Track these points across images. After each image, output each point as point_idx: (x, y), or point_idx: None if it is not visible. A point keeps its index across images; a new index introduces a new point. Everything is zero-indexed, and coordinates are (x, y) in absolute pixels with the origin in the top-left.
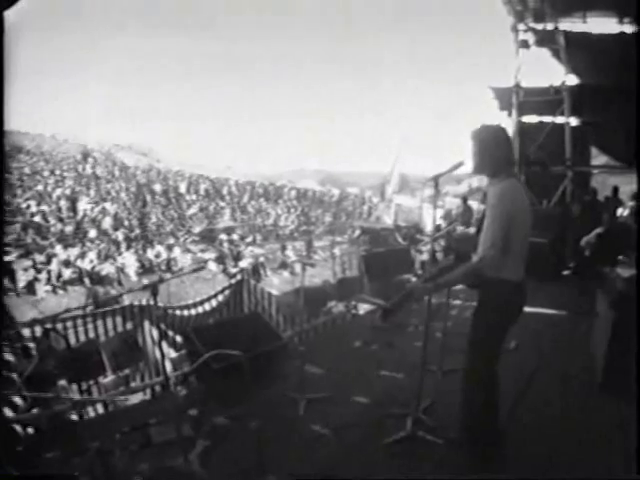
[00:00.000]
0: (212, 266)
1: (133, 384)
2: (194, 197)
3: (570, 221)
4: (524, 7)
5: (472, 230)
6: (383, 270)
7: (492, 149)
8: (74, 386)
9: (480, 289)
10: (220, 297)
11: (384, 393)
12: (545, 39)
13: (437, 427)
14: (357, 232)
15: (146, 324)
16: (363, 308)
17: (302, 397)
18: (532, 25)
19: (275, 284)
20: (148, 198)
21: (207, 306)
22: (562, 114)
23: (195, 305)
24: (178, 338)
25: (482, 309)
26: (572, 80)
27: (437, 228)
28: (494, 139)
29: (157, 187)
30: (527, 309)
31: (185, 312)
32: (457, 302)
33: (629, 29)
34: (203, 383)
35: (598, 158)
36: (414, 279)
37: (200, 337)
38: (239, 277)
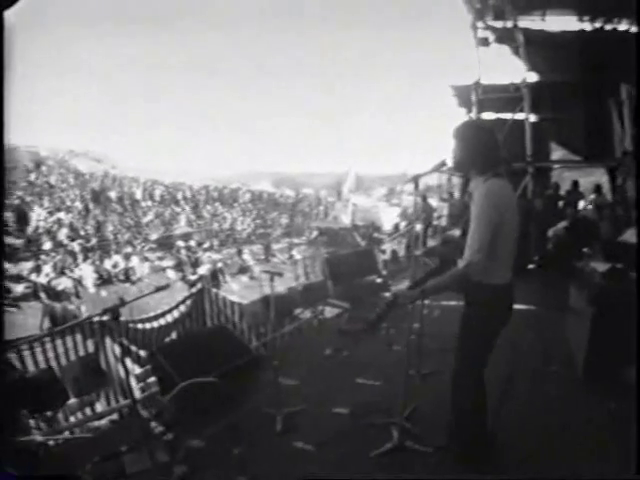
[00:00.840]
0: (171, 274)
1: (99, 405)
2: (150, 203)
3: (533, 216)
4: (484, 5)
5: (457, 232)
6: (347, 272)
7: (477, 146)
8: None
9: (467, 293)
10: (182, 307)
11: (364, 402)
12: (505, 37)
13: (424, 435)
14: (315, 233)
15: (107, 341)
16: (329, 312)
17: (279, 412)
18: (491, 23)
19: (235, 290)
20: (103, 206)
21: (169, 318)
22: (522, 111)
23: (157, 317)
24: (142, 352)
25: (471, 314)
26: (532, 77)
27: (395, 227)
28: (479, 135)
29: (112, 194)
30: None
31: (147, 325)
32: (426, 302)
33: (588, 27)
34: (174, 405)
35: (555, 153)
36: (378, 280)
37: (166, 356)
38: (199, 286)
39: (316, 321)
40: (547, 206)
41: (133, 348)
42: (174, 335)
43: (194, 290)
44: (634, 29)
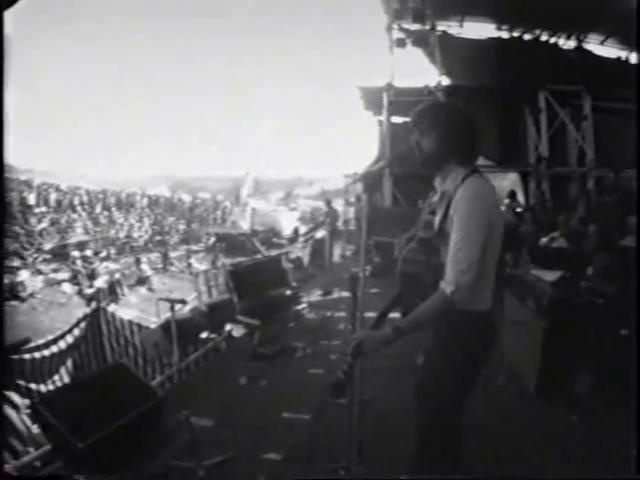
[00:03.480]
0: (66, 288)
1: None
2: (44, 209)
3: None
4: (403, 6)
5: (414, 245)
6: (254, 285)
7: (455, 133)
8: None
9: (440, 324)
10: (76, 331)
11: (297, 443)
12: (421, 40)
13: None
14: (213, 239)
15: None
16: (238, 328)
17: (198, 465)
18: (406, 26)
19: (134, 302)
20: None
21: (62, 344)
22: None
23: (47, 344)
24: (33, 386)
25: (445, 349)
26: (447, 81)
27: (295, 231)
28: (458, 120)
29: None
30: None
31: (37, 355)
32: (341, 314)
33: (506, 35)
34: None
35: None
36: (288, 292)
37: (53, 409)
38: (94, 306)
39: (224, 344)
40: None
41: (22, 383)
42: (69, 363)
43: (88, 311)
44: (553, 40)
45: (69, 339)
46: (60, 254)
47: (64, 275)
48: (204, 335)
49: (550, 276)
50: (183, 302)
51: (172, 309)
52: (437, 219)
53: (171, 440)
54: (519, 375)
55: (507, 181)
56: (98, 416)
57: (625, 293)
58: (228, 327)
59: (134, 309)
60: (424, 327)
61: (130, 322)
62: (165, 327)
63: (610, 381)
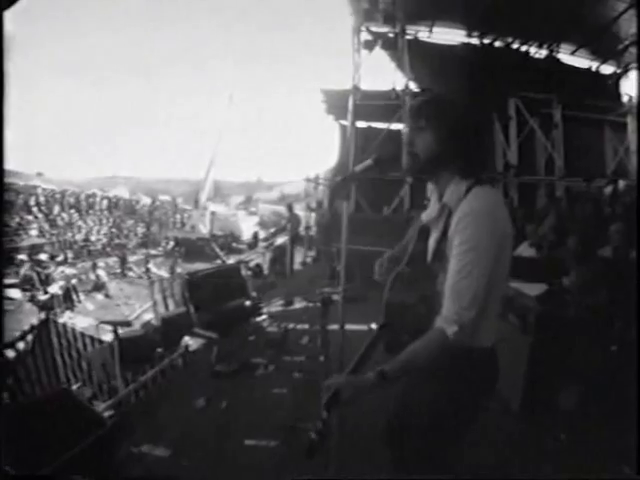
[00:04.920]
0: (15, 294)
1: None
2: None
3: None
4: (373, 7)
5: (405, 269)
6: (212, 296)
7: (461, 133)
8: None
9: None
10: (22, 344)
11: (264, 475)
12: (390, 43)
13: None
14: (172, 243)
15: None
16: (195, 341)
17: None
18: (374, 29)
19: (90, 310)
20: None
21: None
22: (400, 119)
23: None
24: None
25: (441, 386)
26: (414, 86)
27: (255, 236)
28: (466, 117)
29: None
30: None
31: None
32: (304, 326)
33: (476, 41)
34: None
35: None
36: (248, 303)
37: None
38: (42, 316)
39: (181, 361)
40: None
41: None
42: (10, 381)
43: (36, 322)
44: (524, 48)
45: (11, 353)
46: (10, 258)
47: (14, 280)
48: (159, 352)
49: (533, 290)
50: (127, 324)
51: (115, 333)
52: (433, 238)
53: (122, 475)
54: (499, 393)
55: None
56: (37, 448)
57: (613, 307)
58: (184, 342)
59: (90, 317)
60: (417, 370)
61: (82, 334)
62: (112, 346)
63: (599, 399)
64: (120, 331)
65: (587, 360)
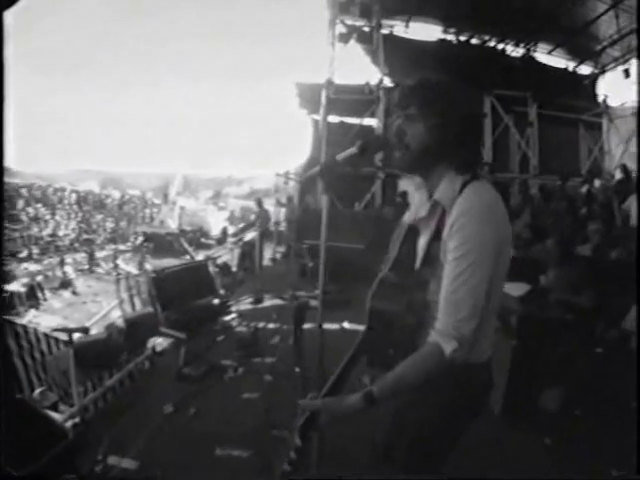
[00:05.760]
0: None
1: None
2: None
3: (384, 224)
4: (350, 0)
5: (390, 275)
6: (179, 294)
7: (457, 123)
8: None
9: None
10: None
11: None
12: (365, 36)
13: None
14: (140, 238)
15: None
16: (162, 342)
17: None
18: (349, 22)
19: (57, 308)
20: None
21: None
22: (373, 114)
23: None
24: None
25: (434, 405)
26: (389, 81)
27: (224, 231)
28: (463, 104)
29: None
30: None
31: None
32: (274, 325)
33: (452, 38)
34: None
35: None
36: (216, 301)
37: None
38: None
39: (148, 363)
40: (397, 215)
41: None
42: None
43: None
44: (501, 46)
45: None
46: None
47: None
48: (124, 356)
49: (515, 290)
50: (84, 331)
51: (70, 342)
52: (423, 241)
53: None
54: None
55: None
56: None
57: (598, 308)
58: (151, 343)
59: (57, 315)
60: (408, 392)
61: (46, 334)
62: (77, 350)
63: (584, 401)
64: (79, 337)
65: (571, 362)
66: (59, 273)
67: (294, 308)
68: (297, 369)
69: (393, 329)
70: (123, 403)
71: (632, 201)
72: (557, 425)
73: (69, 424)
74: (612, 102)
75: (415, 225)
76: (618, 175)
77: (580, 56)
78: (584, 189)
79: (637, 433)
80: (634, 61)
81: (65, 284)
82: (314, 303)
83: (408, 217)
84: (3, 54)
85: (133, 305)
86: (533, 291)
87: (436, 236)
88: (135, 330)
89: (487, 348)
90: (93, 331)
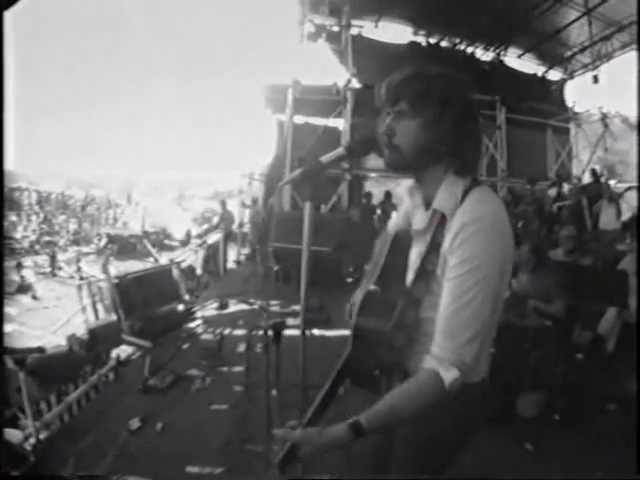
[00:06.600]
0: None
1: None
2: None
3: (351, 227)
4: None
5: (377, 290)
6: (143, 301)
7: (457, 120)
8: None
9: None
10: None
11: None
12: (333, 36)
13: None
14: (104, 240)
15: None
16: (125, 350)
17: None
18: (320, 21)
19: (13, 315)
20: None
21: None
22: (339, 115)
23: None
24: None
25: (427, 423)
26: (356, 82)
27: (188, 233)
28: (465, 104)
29: None
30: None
31: None
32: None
33: (422, 39)
34: None
35: (371, 161)
36: (180, 307)
37: None
38: None
39: (112, 374)
40: (365, 217)
41: None
42: None
43: None
44: (470, 49)
45: None
46: None
47: None
48: (87, 368)
49: None
50: (39, 351)
51: (21, 364)
52: (416, 252)
53: None
54: None
55: (402, 187)
56: None
57: (573, 314)
58: (115, 353)
59: (13, 322)
60: (400, 424)
61: None
62: (32, 368)
63: (564, 407)
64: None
65: (550, 368)
66: (16, 277)
67: (269, 328)
68: (274, 392)
69: (380, 349)
70: (87, 419)
71: (601, 204)
72: (537, 430)
73: (30, 442)
74: (579, 107)
75: (404, 233)
76: (586, 179)
77: (550, 61)
78: (553, 192)
79: (637, 433)
80: (603, 67)
81: (24, 289)
82: (290, 322)
83: (395, 223)
84: (3, 54)
85: (96, 312)
86: (510, 299)
87: (432, 248)
88: (98, 341)
89: (486, 364)
90: (57, 339)
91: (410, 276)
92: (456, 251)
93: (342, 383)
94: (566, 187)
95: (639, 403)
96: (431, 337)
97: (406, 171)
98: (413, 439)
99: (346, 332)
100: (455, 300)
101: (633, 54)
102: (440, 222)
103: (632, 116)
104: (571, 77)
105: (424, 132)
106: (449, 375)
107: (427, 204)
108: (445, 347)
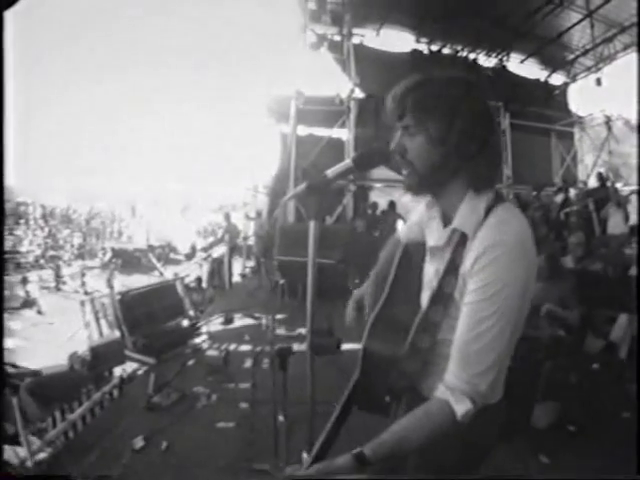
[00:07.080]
0: None
1: None
2: None
3: (357, 238)
4: (321, 8)
5: (388, 311)
6: (147, 316)
7: (480, 137)
8: None
9: None
10: None
11: None
12: (335, 46)
13: None
14: (109, 254)
15: None
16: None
17: None
18: (322, 30)
19: (17, 330)
20: None
21: None
22: (343, 125)
23: None
24: None
25: (439, 452)
26: (359, 92)
27: (193, 247)
28: (484, 115)
29: None
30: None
31: None
32: (246, 347)
33: (424, 47)
34: None
35: (375, 172)
36: (185, 322)
37: None
38: None
39: (117, 391)
40: (369, 227)
41: None
42: None
43: None
44: (472, 56)
45: None
46: None
47: None
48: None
49: None
50: (34, 375)
51: (14, 388)
52: (432, 271)
53: None
54: None
55: (407, 197)
56: None
57: (586, 321)
58: (118, 372)
59: (16, 337)
60: (408, 454)
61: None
62: (32, 388)
63: (579, 418)
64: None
65: (564, 378)
66: (21, 292)
67: (275, 354)
68: (281, 417)
69: (391, 374)
70: (90, 437)
71: (608, 209)
72: (551, 442)
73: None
74: (582, 111)
75: (415, 245)
76: (592, 183)
77: (552, 65)
78: (559, 198)
79: (637, 434)
80: (606, 69)
81: (28, 303)
82: (297, 347)
83: (407, 234)
84: (3, 54)
85: (100, 328)
86: None
87: (450, 268)
88: (100, 360)
89: (502, 385)
90: (62, 354)
91: (425, 295)
92: (477, 275)
93: (350, 410)
94: (572, 192)
95: (639, 403)
96: (447, 359)
97: (422, 191)
98: (425, 469)
99: (353, 345)
100: (472, 328)
101: (635, 55)
102: (460, 241)
103: (633, 118)
104: (574, 80)
105: (434, 148)
106: (462, 408)
107: (445, 220)
108: (460, 377)
